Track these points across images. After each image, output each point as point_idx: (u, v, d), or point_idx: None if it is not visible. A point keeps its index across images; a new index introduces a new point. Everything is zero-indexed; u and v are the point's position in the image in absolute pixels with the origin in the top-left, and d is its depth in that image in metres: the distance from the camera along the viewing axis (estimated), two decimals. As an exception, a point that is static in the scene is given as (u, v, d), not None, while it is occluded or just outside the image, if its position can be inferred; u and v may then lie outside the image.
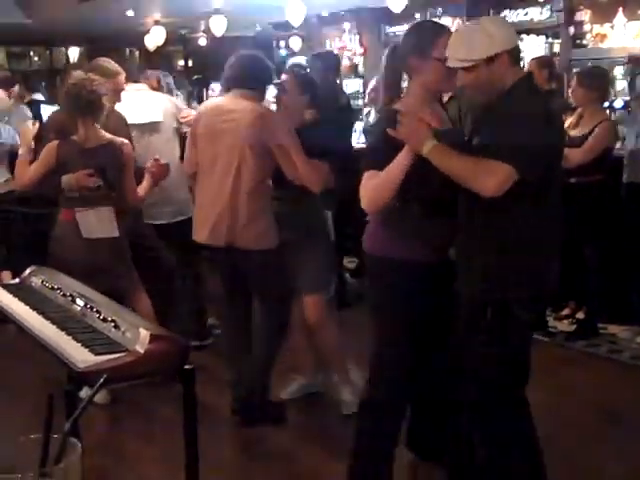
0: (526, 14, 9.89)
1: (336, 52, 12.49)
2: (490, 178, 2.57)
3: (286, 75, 4.07)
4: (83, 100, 4.01)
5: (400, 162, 2.66)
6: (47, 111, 6.43)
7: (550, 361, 4.67)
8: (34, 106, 6.86)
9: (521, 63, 3.05)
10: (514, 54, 2.74)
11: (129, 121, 4.65)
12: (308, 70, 4.72)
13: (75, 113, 4.07)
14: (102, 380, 1.33)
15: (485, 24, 2.77)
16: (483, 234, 2.73)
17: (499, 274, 2.71)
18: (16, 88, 7.66)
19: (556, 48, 9.33)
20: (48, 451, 1.06)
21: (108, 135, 4.15)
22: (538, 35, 9.72)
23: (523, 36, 9.91)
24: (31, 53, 16.95)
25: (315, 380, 4.37)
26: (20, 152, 4.25)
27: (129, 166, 4.16)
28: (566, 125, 5.36)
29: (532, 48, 9.69)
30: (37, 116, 6.67)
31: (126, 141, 4.18)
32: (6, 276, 5.74)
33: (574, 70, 7.84)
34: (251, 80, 3.87)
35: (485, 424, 2.85)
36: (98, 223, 4.07)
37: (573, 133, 5.24)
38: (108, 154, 4.08)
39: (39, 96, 7.10)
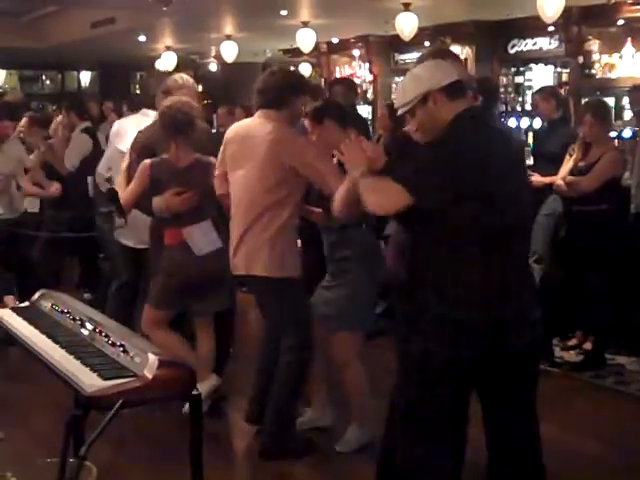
0: (535, 44, 9.94)
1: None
2: (381, 196, 2.70)
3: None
4: (179, 123, 4.09)
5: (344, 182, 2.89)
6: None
7: (556, 392, 4.65)
8: (90, 133, 6.95)
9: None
10: (445, 91, 2.76)
11: None
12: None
13: (170, 134, 4.13)
14: (118, 404, 1.33)
15: (414, 69, 2.91)
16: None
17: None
18: (59, 118, 7.77)
19: (565, 77, 9.37)
20: (65, 474, 1.07)
21: (196, 155, 4.20)
22: (547, 65, 9.78)
23: (532, 65, 9.97)
24: (43, 77, 17.09)
25: (324, 414, 4.26)
26: (118, 179, 4.40)
27: None
28: (573, 154, 5.39)
29: (541, 77, 9.75)
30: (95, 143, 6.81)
31: (213, 160, 4.16)
32: (9, 300, 5.75)
33: (582, 100, 7.89)
34: (271, 98, 3.83)
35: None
36: (205, 238, 4.13)
37: (581, 163, 5.27)
38: (198, 174, 4.14)
39: (88, 124, 7.15)
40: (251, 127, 3.91)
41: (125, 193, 4.24)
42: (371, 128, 10.07)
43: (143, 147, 4.37)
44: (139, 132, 4.58)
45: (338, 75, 12.89)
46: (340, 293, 3.89)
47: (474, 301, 2.65)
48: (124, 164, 4.52)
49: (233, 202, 3.90)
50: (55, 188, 6.48)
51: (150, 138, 4.40)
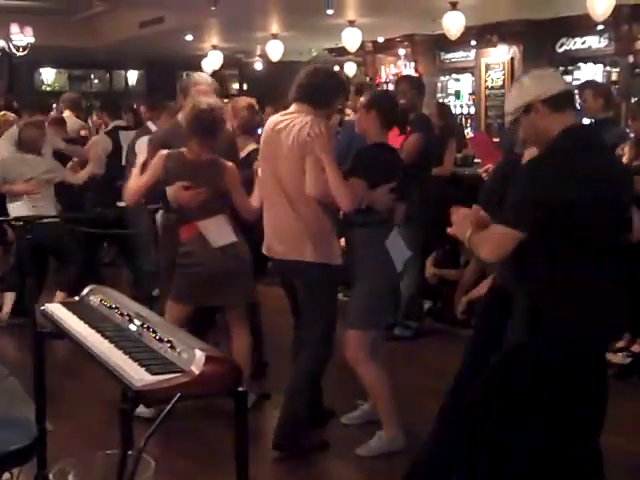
0: (584, 42, 9.83)
1: (391, 77, 12.59)
2: (491, 245, 2.74)
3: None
4: (216, 127, 4.12)
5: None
6: (126, 138, 6.44)
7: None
8: (114, 134, 6.84)
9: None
10: (550, 102, 2.72)
11: None
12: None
13: (198, 135, 4.13)
14: (175, 399, 1.35)
15: (523, 76, 2.88)
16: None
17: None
18: (94, 118, 7.92)
19: (614, 76, 9.24)
20: (125, 467, 1.09)
21: (214, 156, 4.22)
22: (596, 63, 9.65)
23: (580, 64, 9.85)
24: (92, 76, 17.34)
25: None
26: (134, 171, 4.38)
27: (235, 185, 4.20)
28: (623, 154, 5.30)
29: (590, 76, 9.63)
30: (117, 145, 6.70)
31: (229, 163, 4.21)
32: (60, 296, 5.87)
33: (632, 99, 7.77)
34: (312, 94, 3.85)
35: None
36: (220, 231, 4.15)
37: (636, 163, 5.18)
38: (211, 173, 4.17)
39: (120, 122, 7.13)
40: (282, 118, 3.92)
41: (136, 181, 4.25)
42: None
43: (161, 142, 4.40)
44: (157, 129, 4.61)
45: (383, 74, 12.88)
46: (356, 291, 3.92)
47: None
48: (140, 158, 4.52)
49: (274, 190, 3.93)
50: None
51: (168, 135, 4.46)
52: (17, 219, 4.68)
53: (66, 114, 7.98)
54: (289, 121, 3.85)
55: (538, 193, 2.63)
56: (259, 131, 4.88)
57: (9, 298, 6.36)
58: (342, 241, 4.16)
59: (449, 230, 2.89)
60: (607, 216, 2.70)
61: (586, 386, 2.80)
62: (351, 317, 3.91)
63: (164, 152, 4.21)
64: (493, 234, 2.72)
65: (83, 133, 7.92)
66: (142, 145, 5.14)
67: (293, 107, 3.91)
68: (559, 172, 2.63)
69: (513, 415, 2.78)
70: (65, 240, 6.16)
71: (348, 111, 8.51)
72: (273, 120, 3.99)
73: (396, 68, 12.65)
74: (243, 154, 4.84)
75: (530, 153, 3.07)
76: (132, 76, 17.68)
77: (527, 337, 2.75)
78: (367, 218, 3.84)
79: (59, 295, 5.96)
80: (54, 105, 10.23)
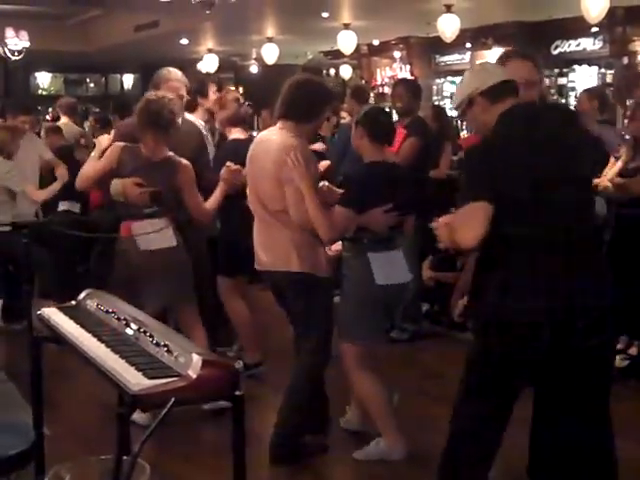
0: (578, 44, 9.85)
1: (386, 80, 12.61)
2: (464, 229, 2.71)
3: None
4: (163, 119, 4.12)
5: None
6: None
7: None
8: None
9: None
10: (491, 92, 2.79)
11: None
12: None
13: (149, 128, 4.15)
14: (170, 403, 1.34)
15: (467, 72, 2.98)
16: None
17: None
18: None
19: (609, 78, 9.26)
20: (120, 472, 1.08)
21: (170, 153, 4.24)
22: (591, 65, 9.68)
23: (575, 67, 9.88)
24: (87, 80, 17.35)
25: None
26: (90, 157, 4.40)
27: (188, 184, 4.21)
28: (619, 156, 5.31)
29: (584, 79, 9.66)
30: None
31: (185, 161, 4.22)
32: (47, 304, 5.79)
33: (628, 101, 7.79)
34: (294, 110, 3.79)
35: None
36: (155, 234, 4.10)
37: (632, 164, 5.18)
38: (165, 172, 4.17)
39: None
40: (271, 136, 3.88)
41: (87, 168, 4.26)
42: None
43: (124, 136, 4.41)
44: (121, 123, 4.62)
45: (379, 77, 12.90)
46: (340, 304, 3.93)
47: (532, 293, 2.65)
48: (97, 150, 4.50)
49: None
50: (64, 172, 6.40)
51: (131, 128, 4.41)
52: None
53: (64, 120, 7.85)
54: (270, 140, 3.82)
55: (484, 168, 2.68)
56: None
57: None
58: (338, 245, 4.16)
59: (440, 246, 2.87)
60: (554, 187, 2.67)
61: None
62: (339, 329, 3.90)
63: (121, 144, 4.23)
64: (462, 216, 2.71)
65: (83, 142, 7.80)
66: None
67: (279, 124, 3.85)
68: (491, 153, 2.69)
69: (461, 400, 2.83)
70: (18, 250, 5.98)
71: (343, 114, 8.51)
72: (259, 137, 4.02)
73: (391, 71, 12.66)
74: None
75: None
76: (128, 80, 17.68)
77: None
78: (357, 234, 3.77)
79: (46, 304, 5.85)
80: (49, 109, 10.22)
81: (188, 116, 4.83)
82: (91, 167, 4.28)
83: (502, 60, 3.24)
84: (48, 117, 9.55)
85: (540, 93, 3.41)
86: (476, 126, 2.90)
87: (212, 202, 4.35)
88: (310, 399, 3.97)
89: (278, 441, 3.86)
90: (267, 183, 3.79)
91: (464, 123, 11.91)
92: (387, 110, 4.81)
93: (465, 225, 2.69)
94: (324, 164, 4.91)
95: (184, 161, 4.23)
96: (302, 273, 3.79)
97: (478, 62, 2.94)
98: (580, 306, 2.67)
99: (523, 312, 2.64)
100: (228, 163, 4.39)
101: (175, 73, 4.76)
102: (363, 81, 12.88)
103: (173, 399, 1.42)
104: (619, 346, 5.57)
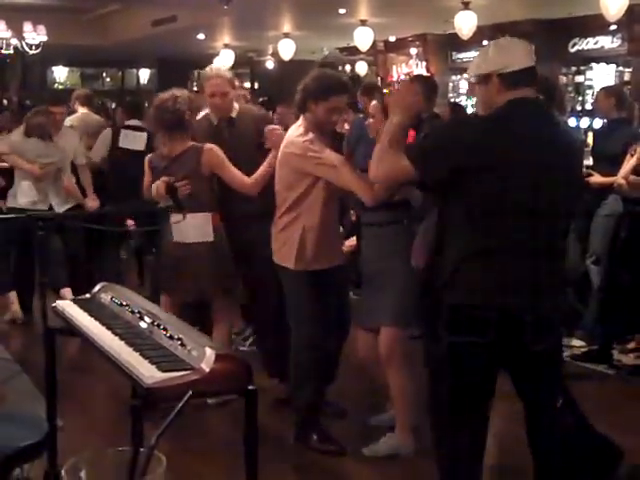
0: (596, 42, 9.79)
1: (402, 77, 12.57)
2: (387, 165, 2.79)
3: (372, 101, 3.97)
4: (167, 119, 4.24)
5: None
6: (128, 138, 6.46)
7: (614, 396, 4.58)
8: (116, 132, 6.68)
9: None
10: (507, 77, 2.72)
11: None
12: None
13: (160, 128, 4.35)
14: (187, 397, 1.35)
15: (491, 44, 2.84)
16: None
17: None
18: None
19: (627, 77, 9.20)
20: (136, 464, 1.09)
21: (191, 143, 4.31)
22: (608, 64, 9.61)
23: (593, 65, 9.82)
24: (104, 74, 17.40)
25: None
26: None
27: (218, 164, 4.28)
28: (634, 154, 5.28)
29: (602, 77, 9.59)
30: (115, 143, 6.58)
31: (208, 145, 4.28)
32: (67, 293, 5.85)
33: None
34: (300, 101, 3.86)
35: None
36: (192, 228, 4.20)
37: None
38: (187, 161, 4.26)
39: (135, 122, 6.92)
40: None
41: (145, 182, 4.47)
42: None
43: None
44: None
45: (394, 74, 12.86)
46: (388, 289, 3.84)
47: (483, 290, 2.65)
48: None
49: None
50: (92, 203, 6.40)
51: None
52: None
53: (83, 110, 7.61)
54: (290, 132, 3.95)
55: (442, 151, 2.67)
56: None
57: (14, 296, 6.36)
58: (352, 241, 4.16)
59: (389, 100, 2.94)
60: (528, 183, 2.64)
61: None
62: (383, 314, 3.81)
63: (149, 155, 4.48)
64: (399, 160, 2.72)
65: None
66: None
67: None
68: (479, 134, 2.65)
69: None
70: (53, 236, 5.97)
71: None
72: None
73: (407, 68, 12.62)
74: None
75: None
76: (144, 74, 17.71)
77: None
78: (396, 215, 3.76)
79: (66, 292, 5.90)
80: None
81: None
82: (145, 181, 4.46)
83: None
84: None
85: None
86: (484, 103, 2.81)
87: (262, 172, 4.28)
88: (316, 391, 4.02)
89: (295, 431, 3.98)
90: (278, 172, 3.94)
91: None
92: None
93: (388, 169, 2.78)
94: None
95: (207, 145, 4.28)
96: (291, 269, 3.88)
97: (506, 38, 2.83)
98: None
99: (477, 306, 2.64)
100: (270, 126, 4.30)
101: (217, 70, 4.68)
102: (379, 78, 12.86)
103: (190, 392, 1.42)
104: (632, 345, 5.56)
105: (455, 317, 2.69)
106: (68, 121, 7.04)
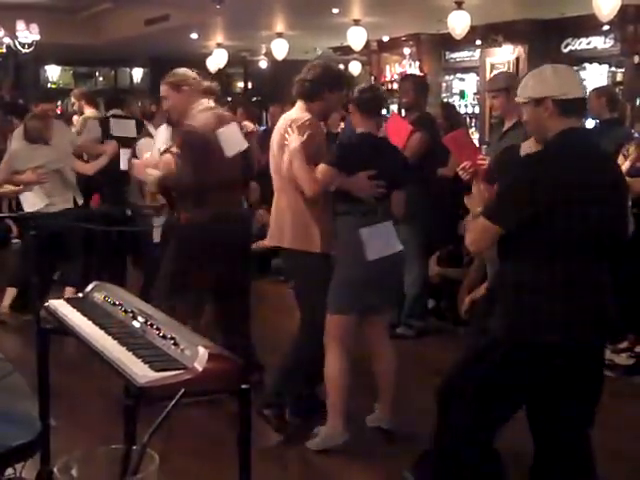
0: (589, 43, 9.82)
1: (396, 76, 12.59)
2: (475, 235, 2.85)
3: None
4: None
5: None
6: (120, 125, 6.48)
7: (606, 395, 4.56)
8: (105, 122, 6.70)
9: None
10: (562, 104, 2.72)
11: None
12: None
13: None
14: (179, 395, 1.35)
15: (548, 68, 2.84)
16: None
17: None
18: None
19: (619, 77, 9.23)
20: (129, 462, 1.09)
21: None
22: (601, 64, 9.64)
23: (586, 65, 9.84)
24: (97, 73, 17.36)
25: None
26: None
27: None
28: (627, 155, 5.30)
29: (595, 77, 9.62)
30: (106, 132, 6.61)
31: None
32: (69, 292, 5.87)
33: (638, 100, 7.76)
34: (303, 88, 4.04)
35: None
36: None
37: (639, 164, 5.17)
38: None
39: (117, 111, 6.83)
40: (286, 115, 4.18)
41: None
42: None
43: None
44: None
45: (388, 73, 12.88)
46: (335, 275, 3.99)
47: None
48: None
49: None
50: (112, 146, 6.37)
51: None
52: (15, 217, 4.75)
53: (91, 112, 7.43)
54: (283, 118, 4.14)
55: (522, 193, 2.68)
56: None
57: (10, 293, 6.37)
58: None
59: (466, 201, 2.98)
60: (590, 222, 2.68)
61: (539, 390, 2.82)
62: (328, 302, 3.94)
63: None
64: (477, 225, 2.80)
65: None
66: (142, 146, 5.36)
67: (296, 104, 4.13)
68: (543, 175, 2.67)
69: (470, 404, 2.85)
70: (75, 234, 6.13)
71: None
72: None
73: (401, 67, 12.64)
74: None
75: (528, 145, 3.09)
76: (137, 74, 17.68)
77: (499, 334, 2.77)
78: (349, 207, 3.91)
79: (68, 291, 5.94)
80: (58, 102, 10.15)
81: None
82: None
83: None
84: (58, 111, 9.45)
85: None
86: (533, 125, 2.82)
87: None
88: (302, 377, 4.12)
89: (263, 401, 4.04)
90: (274, 157, 4.09)
91: (474, 120, 11.91)
92: (376, 85, 5.02)
93: (475, 234, 2.81)
94: None
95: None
96: (293, 250, 3.99)
97: (565, 67, 2.83)
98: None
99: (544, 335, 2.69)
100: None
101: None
102: (372, 77, 12.87)
103: (183, 390, 1.42)
104: (625, 345, 5.57)
105: None
106: (93, 128, 6.88)
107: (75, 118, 8.70)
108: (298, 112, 4.06)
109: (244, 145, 4.46)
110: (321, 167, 3.85)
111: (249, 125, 5.47)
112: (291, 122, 3.96)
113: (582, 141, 2.83)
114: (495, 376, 2.79)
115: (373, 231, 3.87)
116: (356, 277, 3.88)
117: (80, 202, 6.31)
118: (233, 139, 4.40)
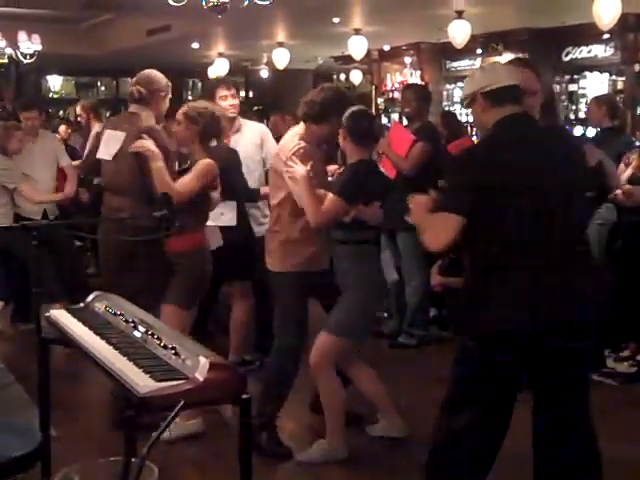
0: (589, 51, 9.82)
1: (396, 85, 12.61)
2: (432, 233, 2.84)
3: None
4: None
5: None
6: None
7: (608, 404, 4.57)
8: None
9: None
10: (490, 95, 2.82)
11: None
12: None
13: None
14: (180, 406, 1.35)
15: (478, 68, 2.98)
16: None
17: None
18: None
19: (620, 85, 9.23)
20: (128, 473, 1.09)
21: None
22: (602, 72, 9.64)
23: (586, 73, 9.85)
24: (98, 83, 17.39)
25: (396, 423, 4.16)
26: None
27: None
28: (629, 163, 5.30)
29: (595, 85, 9.63)
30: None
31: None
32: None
33: (638, 108, 7.76)
34: (309, 111, 3.98)
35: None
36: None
37: (640, 173, 5.17)
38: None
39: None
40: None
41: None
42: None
43: None
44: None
45: (389, 82, 12.89)
46: (345, 305, 3.90)
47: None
48: None
49: None
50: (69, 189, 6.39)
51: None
52: None
53: (99, 126, 7.06)
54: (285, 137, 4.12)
55: (462, 180, 2.76)
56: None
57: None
58: None
59: (408, 218, 2.96)
60: (531, 204, 2.69)
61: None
62: (329, 322, 3.90)
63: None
64: (435, 221, 2.79)
65: None
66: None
67: (301, 125, 4.06)
68: (481, 161, 2.75)
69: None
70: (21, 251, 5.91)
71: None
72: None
73: (402, 76, 12.64)
74: None
75: None
76: (139, 83, 17.72)
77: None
78: (367, 236, 3.89)
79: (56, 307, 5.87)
80: (60, 112, 10.13)
81: None
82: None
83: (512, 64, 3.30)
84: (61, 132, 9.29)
85: (541, 101, 3.42)
86: (476, 122, 2.99)
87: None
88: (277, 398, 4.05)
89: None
90: (271, 173, 4.15)
91: (474, 128, 11.92)
92: (370, 112, 4.96)
93: (434, 230, 2.79)
94: (332, 168, 4.93)
95: None
96: (275, 272, 3.99)
97: (492, 61, 3.06)
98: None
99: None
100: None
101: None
102: (373, 86, 12.89)
103: (183, 401, 1.42)
104: (627, 353, 5.56)
105: None
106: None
107: (62, 128, 8.71)
108: (291, 138, 4.01)
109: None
110: (331, 198, 3.74)
111: None
112: (284, 151, 3.95)
113: (517, 126, 2.84)
114: (460, 376, 2.92)
115: (384, 258, 3.98)
116: (375, 308, 3.97)
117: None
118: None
